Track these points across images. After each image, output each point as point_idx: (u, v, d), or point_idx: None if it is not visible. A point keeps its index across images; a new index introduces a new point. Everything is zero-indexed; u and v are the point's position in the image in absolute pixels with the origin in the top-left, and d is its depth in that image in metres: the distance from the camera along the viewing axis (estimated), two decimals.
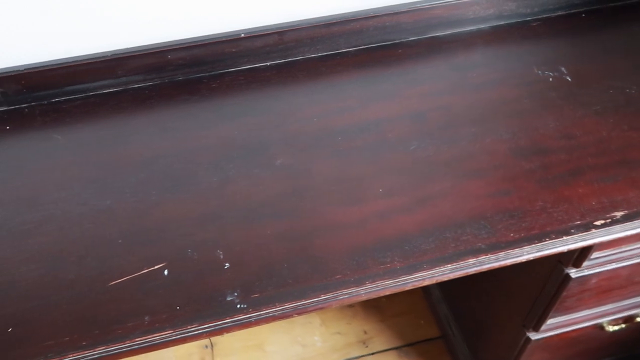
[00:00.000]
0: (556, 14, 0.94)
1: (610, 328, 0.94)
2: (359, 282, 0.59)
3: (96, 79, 0.83)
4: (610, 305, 0.91)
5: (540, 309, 0.86)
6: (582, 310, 0.89)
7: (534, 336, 0.91)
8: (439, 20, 0.91)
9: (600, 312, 0.91)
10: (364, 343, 1.33)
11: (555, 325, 0.90)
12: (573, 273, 0.77)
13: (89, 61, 0.81)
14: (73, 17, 0.80)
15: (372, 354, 1.31)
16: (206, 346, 1.32)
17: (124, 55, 0.82)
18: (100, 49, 0.82)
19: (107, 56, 0.82)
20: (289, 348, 1.32)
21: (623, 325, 0.95)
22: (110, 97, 0.84)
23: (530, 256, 0.62)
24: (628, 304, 0.92)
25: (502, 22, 0.93)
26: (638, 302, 0.93)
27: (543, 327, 0.89)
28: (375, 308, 1.38)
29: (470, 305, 1.16)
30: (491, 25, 0.93)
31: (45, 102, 0.83)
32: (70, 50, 0.82)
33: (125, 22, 0.82)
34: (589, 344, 1.03)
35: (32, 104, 0.83)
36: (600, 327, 0.95)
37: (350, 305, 1.36)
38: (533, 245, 0.62)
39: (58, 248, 0.64)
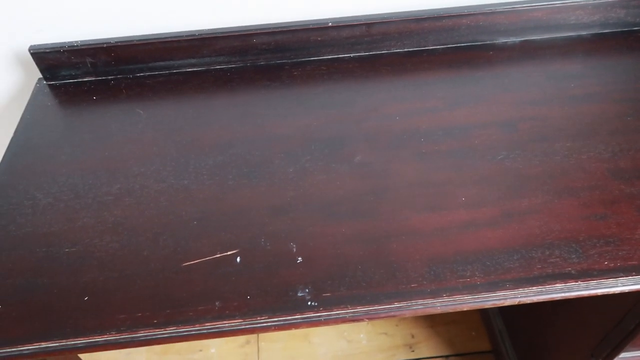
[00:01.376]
0: None
1: None
2: (435, 294, 0.56)
3: (181, 57, 0.84)
4: None
5: (614, 342, 0.80)
6: None
7: None
8: (537, 23, 0.85)
9: None
10: (410, 347, 1.30)
11: (627, 359, 0.83)
12: None
13: (176, 39, 0.82)
14: None
15: (418, 359, 1.28)
16: (248, 341, 1.33)
17: (210, 36, 0.82)
18: (188, 27, 0.83)
19: (194, 35, 0.82)
20: (334, 342, 1.31)
21: None
22: (192, 76, 0.84)
23: (626, 288, 0.57)
24: None
25: (606, 30, 0.87)
26: None
27: None
28: None
29: (530, 324, 1.10)
30: (594, 32, 0.87)
31: (131, 76, 0.85)
32: (158, 27, 0.83)
33: (215, 2, 0.82)
34: None
35: (118, 76, 0.85)
36: None
37: None
38: (630, 277, 0.57)
39: (134, 223, 0.64)
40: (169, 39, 0.82)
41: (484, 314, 1.30)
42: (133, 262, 0.60)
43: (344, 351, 1.30)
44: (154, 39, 0.81)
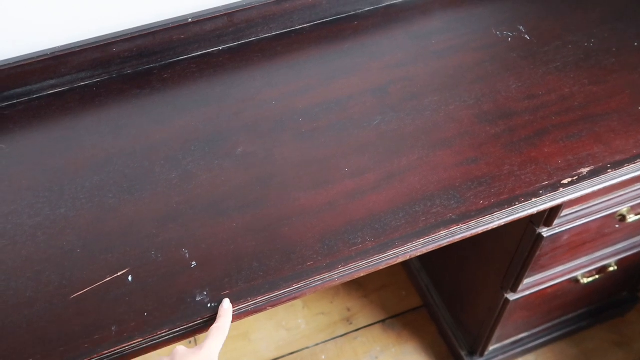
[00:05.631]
0: None
1: (585, 280, 0.96)
2: (331, 267, 0.57)
3: (38, 80, 0.78)
4: (583, 258, 0.92)
5: (516, 270, 0.87)
6: (556, 266, 0.90)
7: (512, 297, 0.92)
8: None
9: (574, 266, 0.92)
10: (348, 320, 1.33)
11: (532, 284, 0.90)
12: (545, 232, 0.77)
13: (27, 62, 0.76)
14: (5, 18, 0.74)
15: (357, 330, 1.31)
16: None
17: (65, 53, 0.77)
18: (37, 48, 0.77)
19: (46, 55, 0.76)
20: (274, 334, 1.31)
21: (597, 276, 0.97)
22: (55, 98, 0.79)
23: (501, 222, 0.61)
24: (600, 256, 0.94)
25: None
26: (609, 252, 0.94)
27: (520, 287, 0.89)
28: (357, 284, 1.38)
29: (448, 272, 1.16)
30: None
31: None
32: (6, 52, 0.77)
33: (63, 16, 0.77)
34: (565, 298, 1.05)
35: None
36: (575, 280, 0.96)
37: None
38: (503, 210, 0.61)
39: (12, 265, 0.60)
40: (19, 63, 0.76)
41: (410, 273, 1.35)
42: (17, 307, 0.56)
43: (285, 340, 1.30)
44: (2, 65, 0.75)
